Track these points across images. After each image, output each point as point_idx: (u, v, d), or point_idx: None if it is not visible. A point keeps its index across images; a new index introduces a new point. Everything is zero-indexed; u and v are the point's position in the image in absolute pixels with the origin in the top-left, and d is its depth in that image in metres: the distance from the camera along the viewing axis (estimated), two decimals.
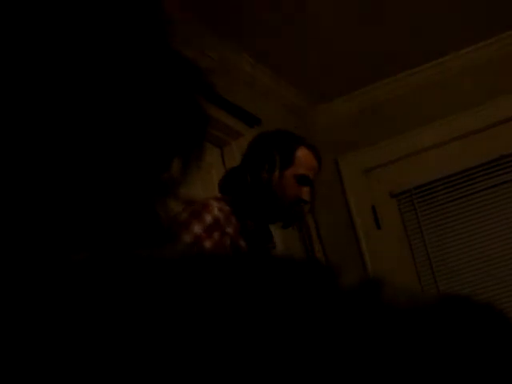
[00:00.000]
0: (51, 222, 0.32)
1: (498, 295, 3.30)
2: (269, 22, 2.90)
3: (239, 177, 1.96)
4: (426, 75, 3.56)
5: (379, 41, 3.20)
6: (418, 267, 3.52)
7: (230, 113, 2.86)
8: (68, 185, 0.33)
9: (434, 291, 3.22)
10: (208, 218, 1.77)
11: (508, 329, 0.29)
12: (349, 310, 0.28)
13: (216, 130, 2.85)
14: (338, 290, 0.29)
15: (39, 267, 0.29)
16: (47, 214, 0.32)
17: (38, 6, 0.34)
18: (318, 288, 0.29)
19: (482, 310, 0.29)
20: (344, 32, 3.08)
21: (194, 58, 0.41)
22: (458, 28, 3.24)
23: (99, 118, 0.35)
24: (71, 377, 0.26)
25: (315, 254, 3.27)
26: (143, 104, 0.37)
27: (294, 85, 3.46)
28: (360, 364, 0.26)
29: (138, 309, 0.27)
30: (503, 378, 0.27)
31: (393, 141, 3.59)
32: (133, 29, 0.37)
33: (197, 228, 1.74)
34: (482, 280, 3.38)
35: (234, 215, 1.86)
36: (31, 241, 0.32)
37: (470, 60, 3.49)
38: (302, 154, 1.99)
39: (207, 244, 1.72)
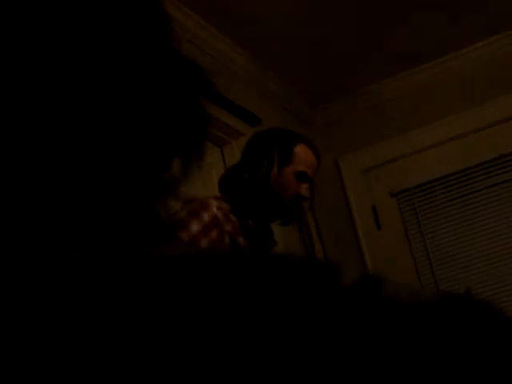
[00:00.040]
0: (51, 221, 0.32)
1: (497, 294, 3.30)
2: (269, 22, 2.90)
3: (238, 175, 1.96)
4: (426, 75, 3.57)
5: (379, 41, 3.20)
6: (417, 266, 3.53)
7: (230, 112, 2.86)
8: (68, 184, 0.33)
9: (433, 290, 3.21)
10: (206, 217, 1.77)
11: (507, 327, 0.29)
12: (349, 306, 0.28)
13: (216, 130, 2.85)
14: (338, 287, 0.29)
15: (39, 266, 0.30)
16: (47, 213, 0.32)
17: (38, 5, 0.34)
18: (318, 285, 0.29)
19: (482, 308, 0.30)
20: (344, 32, 3.08)
21: (194, 57, 0.41)
22: (458, 28, 3.24)
23: (99, 118, 0.35)
24: (71, 376, 0.26)
25: (315, 254, 3.27)
26: (143, 103, 0.37)
27: (294, 85, 3.46)
28: (360, 360, 0.26)
29: (137, 307, 0.27)
30: (502, 376, 0.27)
31: (393, 141, 3.59)
32: (133, 28, 0.37)
33: (194, 227, 1.74)
34: (481, 279, 3.38)
35: (233, 213, 1.86)
36: (31, 240, 0.32)
37: (470, 60, 3.49)
38: (301, 150, 1.98)
39: (204, 243, 1.72)
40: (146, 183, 0.37)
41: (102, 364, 0.26)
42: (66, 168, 0.33)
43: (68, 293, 0.28)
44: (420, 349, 0.27)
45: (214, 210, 1.80)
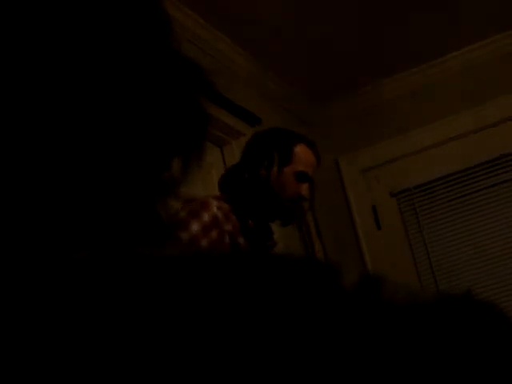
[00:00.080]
0: (51, 221, 0.32)
1: (497, 294, 3.30)
2: (269, 22, 2.90)
3: (238, 174, 1.96)
4: (425, 75, 3.57)
5: (379, 41, 3.20)
6: (418, 266, 3.53)
7: (230, 112, 2.86)
8: (68, 184, 0.33)
9: (434, 291, 3.21)
10: (206, 217, 1.77)
11: (507, 327, 0.29)
12: (349, 307, 0.28)
13: (216, 130, 2.85)
14: (339, 287, 0.29)
15: (39, 266, 0.30)
16: (47, 214, 0.32)
17: (38, 5, 0.34)
18: (318, 285, 0.29)
19: (482, 308, 0.29)
20: (344, 32, 3.08)
21: (194, 57, 0.41)
22: (458, 28, 3.24)
23: (100, 118, 0.35)
24: (71, 376, 0.26)
25: (315, 254, 3.27)
26: (144, 103, 0.37)
27: (294, 85, 3.46)
28: (359, 361, 0.26)
29: (137, 308, 0.27)
30: (502, 376, 0.27)
31: (393, 140, 3.59)
32: (133, 28, 0.37)
33: (194, 227, 1.74)
34: (481, 279, 3.38)
35: (233, 213, 1.86)
36: (31, 240, 0.32)
37: (470, 60, 3.49)
38: (301, 150, 1.99)
39: (204, 243, 1.72)
40: (146, 183, 0.37)
41: (102, 364, 0.26)
42: (66, 168, 0.33)
43: (68, 293, 0.28)
44: (419, 349, 0.27)
45: (214, 209, 1.80)
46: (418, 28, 3.15)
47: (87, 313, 0.27)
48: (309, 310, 0.28)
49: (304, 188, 1.96)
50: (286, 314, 0.27)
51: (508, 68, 3.42)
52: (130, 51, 0.36)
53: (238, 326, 0.27)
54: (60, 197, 0.33)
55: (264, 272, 0.29)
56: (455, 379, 0.27)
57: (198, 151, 0.40)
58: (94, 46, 0.35)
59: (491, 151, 3.40)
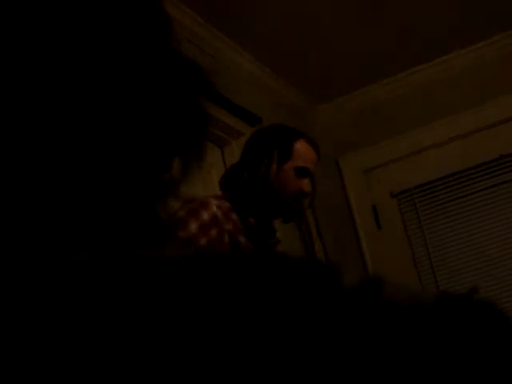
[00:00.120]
0: (51, 221, 0.32)
1: (497, 295, 3.30)
2: (269, 22, 2.90)
3: (238, 173, 1.96)
4: (425, 75, 3.57)
5: (379, 41, 3.20)
6: (418, 267, 3.53)
7: (230, 112, 2.86)
8: (68, 185, 0.33)
9: (434, 291, 3.21)
10: (205, 216, 1.77)
11: (507, 327, 0.29)
12: (349, 307, 0.28)
13: (216, 130, 2.85)
14: (339, 288, 0.29)
15: (39, 267, 0.29)
16: (47, 214, 0.32)
17: (39, 5, 0.34)
18: (318, 285, 0.29)
19: (482, 308, 0.29)
20: (344, 32, 3.08)
21: (194, 57, 0.41)
22: (458, 28, 3.24)
23: (100, 118, 0.35)
24: (71, 376, 0.26)
25: (315, 254, 3.27)
26: (144, 104, 0.37)
27: (294, 85, 3.46)
28: (360, 361, 0.26)
29: (137, 309, 0.27)
30: (503, 376, 0.27)
31: (393, 141, 3.59)
32: (133, 28, 0.37)
33: (193, 226, 1.74)
34: (481, 280, 3.38)
35: (234, 212, 1.86)
36: (31, 241, 0.32)
37: (470, 60, 3.49)
38: (300, 146, 1.99)
39: (203, 242, 1.72)
40: (147, 183, 0.37)
41: (102, 365, 0.26)
42: (66, 169, 0.33)
43: (68, 295, 0.28)
44: (420, 350, 0.27)
45: (214, 208, 1.80)
46: (418, 28, 3.15)
47: (87, 314, 0.27)
48: (309, 310, 0.28)
49: (305, 183, 1.96)
50: (285, 315, 0.27)
51: (508, 68, 3.42)
52: (130, 51, 0.36)
53: (238, 327, 0.27)
54: (60, 197, 0.33)
55: (264, 272, 0.29)
56: (455, 379, 0.27)
57: (199, 151, 0.40)
58: (94, 47, 0.35)
59: (491, 152, 3.40)
